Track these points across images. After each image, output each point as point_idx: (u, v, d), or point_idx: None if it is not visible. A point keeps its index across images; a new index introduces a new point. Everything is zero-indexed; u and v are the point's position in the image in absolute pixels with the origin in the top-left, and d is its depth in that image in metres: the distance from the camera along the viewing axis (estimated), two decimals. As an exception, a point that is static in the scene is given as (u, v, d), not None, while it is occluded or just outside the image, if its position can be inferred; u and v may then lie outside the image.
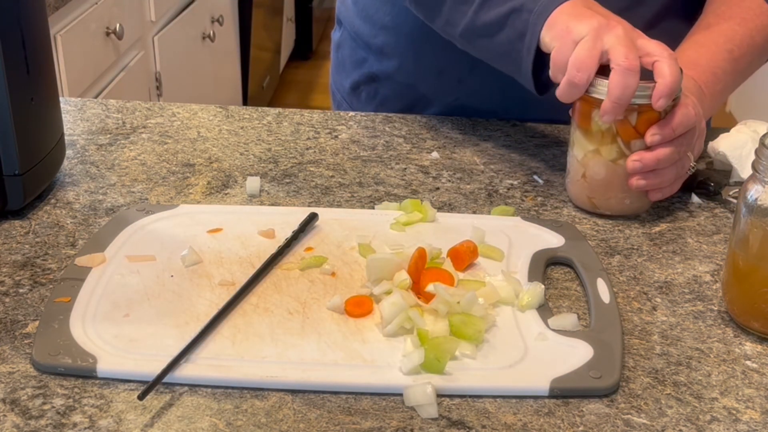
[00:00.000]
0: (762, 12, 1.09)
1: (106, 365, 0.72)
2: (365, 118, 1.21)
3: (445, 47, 1.15)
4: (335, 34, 1.35)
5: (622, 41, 0.90)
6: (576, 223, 0.97)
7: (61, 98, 1.12)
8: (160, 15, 2.43)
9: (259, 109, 1.23)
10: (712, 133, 1.17)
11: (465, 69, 1.18)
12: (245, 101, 3.34)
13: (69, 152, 1.09)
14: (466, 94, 1.21)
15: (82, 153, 1.09)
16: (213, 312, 0.78)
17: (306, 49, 4.41)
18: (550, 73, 0.95)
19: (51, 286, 0.84)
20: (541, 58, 0.98)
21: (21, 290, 0.83)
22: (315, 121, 1.20)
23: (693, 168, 0.98)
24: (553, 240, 0.92)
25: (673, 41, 1.02)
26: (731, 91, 1.10)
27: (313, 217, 0.93)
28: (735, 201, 0.98)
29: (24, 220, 0.95)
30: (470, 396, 0.72)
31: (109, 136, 1.14)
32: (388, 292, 0.80)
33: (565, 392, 0.72)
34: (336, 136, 1.15)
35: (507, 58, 1.01)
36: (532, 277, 0.85)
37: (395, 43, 1.22)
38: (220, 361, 0.73)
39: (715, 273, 0.89)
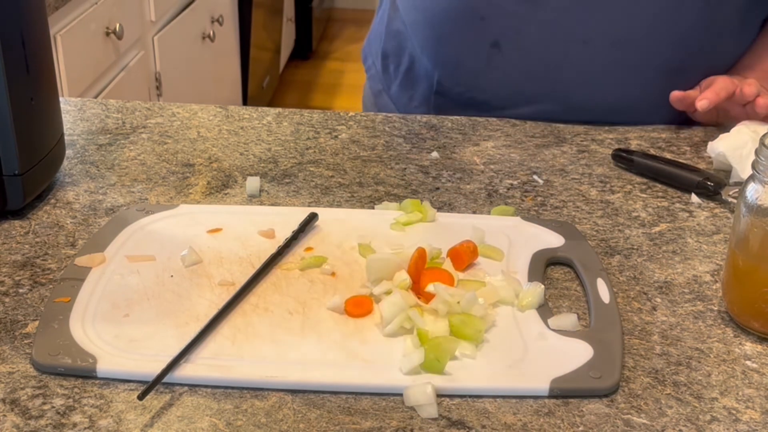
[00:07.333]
0: None
1: (105, 365, 0.72)
2: (365, 118, 1.21)
3: (465, 37, 1.16)
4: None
5: None
6: (576, 223, 0.97)
7: (60, 98, 1.12)
8: (160, 15, 2.43)
9: (259, 109, 1.23)
10: (713, 133, 1.17)
11: (482, 62, 1.19)
12: (245, 101, 3.34)
13: (69, 152, 1.09)
14: (479, 89, 1.22)
15: (81, 153, 1.09)
16: (213, 312, 0.78)
17: (306, 49, 4.41)
18: None
19: (51, 286, 0.84)
20: None
21: (21, 290, 0.83)
22: (315, 121, 1.20)
23: None
24: (553, 240, 0.92)
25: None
26: None
27: (313, 217, 0.93)
28: (735, 201, 0.98)
29: (24, 220, 0.95)
30: (470, 396, 0.72)
31: (108, 136, 1.14)
32: (388, 292, 0.80)
33: (565, 392, 0.72)
34: (336, 136, 1.15)
35: None
36: (532, 277, 0.85)
37: (423, 26, 1.23)
38: (220, 361, 0.73)
39: (715, 273, 0.89)
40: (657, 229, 0.96)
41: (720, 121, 1.18)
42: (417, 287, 0.81)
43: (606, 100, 1.19)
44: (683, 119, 1.22)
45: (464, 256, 0.86)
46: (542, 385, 0.72)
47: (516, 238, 0.91)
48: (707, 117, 1.18)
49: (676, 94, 1.14)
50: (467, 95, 1.23)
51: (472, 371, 0.73)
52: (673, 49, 1.15)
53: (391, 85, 1.32)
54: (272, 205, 0.99)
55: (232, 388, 0.72)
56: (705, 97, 1.11)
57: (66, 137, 1.10)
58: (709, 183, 1.02)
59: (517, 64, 1.18)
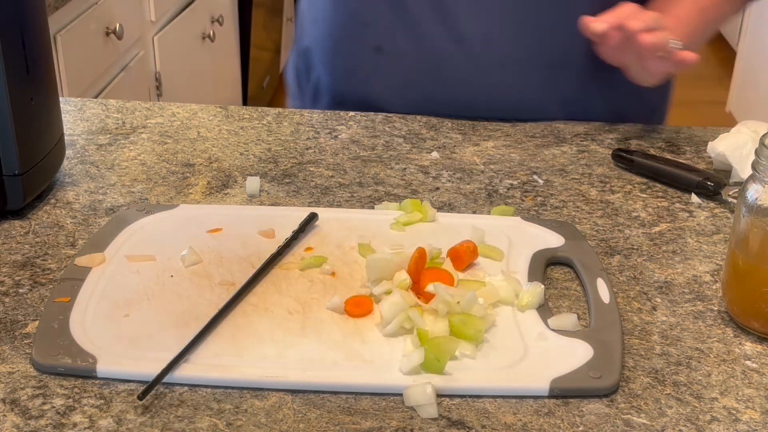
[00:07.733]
0: None
1: (105, 365, 0.72)
2: (365, 118, 1.21)
3: (352, 44, 1.20)
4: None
5: None
6: (576, 223, 0.97)
7: (60, 98, 1.12)
8: (160, 15, 2.43)
9: (259, 109, 1.23)
10: (713, 133, 1.17)
11: (369, 68, 1.21)
12: (245, 101, 3.34)
13: (69, 152, 1.09)
14: (372, 96, 1.23)
15: (81, 153, 1.09)
16: (213, 312, 0.78)
17: (306, 49, 4.40)
18: None
19: (51, 286, 0.84)
20: None
21: (21, 290, 0.83)
22: (315, 121, 1.20)
23: None
24: (552, 240, 0.92)
25: None
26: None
27: (313, 217, 0.93)
28: (735, 201, 0.98)
29: (24, 220, 0.95)
30: (470, 396, 0.72)
31: (108, 136, 1.14)
32: (388, 292, 0.80)
33: (565, 392, 0.72)
34: (336, 136, 1.15)
35: None
36: (532, 277, 0.85)
37: (321, 38, 1.25)
38: (220, 361, 0.73)
39: (715, 273, 0.89)
40: (657, 229, 0.96)
41: (631, 65, 1.09)
42: (417, 287, 0.81)
43: (493, 99, 1.20)
44: (585, 118, 1.21)
45: (464, 256, 0.86)
46: (542, 385, 0.72)
47: (516, 238, 0.91)
48: (617, 55, 1.09)
49: (586, 18, 1.06)
50: (364, 103, 1.24)
51: (472, 371, 0.73)
52: (545, 45, 1.16)
53: (305, 101, 1.33)
54: (272, 205, 0.99)
55: (232, 388, 0.72)
56: (602, 19, 1.04)
57: (66, 137, 1.10)
58: (709, 183, 1.02)
59: (399, 68, 1.20)
